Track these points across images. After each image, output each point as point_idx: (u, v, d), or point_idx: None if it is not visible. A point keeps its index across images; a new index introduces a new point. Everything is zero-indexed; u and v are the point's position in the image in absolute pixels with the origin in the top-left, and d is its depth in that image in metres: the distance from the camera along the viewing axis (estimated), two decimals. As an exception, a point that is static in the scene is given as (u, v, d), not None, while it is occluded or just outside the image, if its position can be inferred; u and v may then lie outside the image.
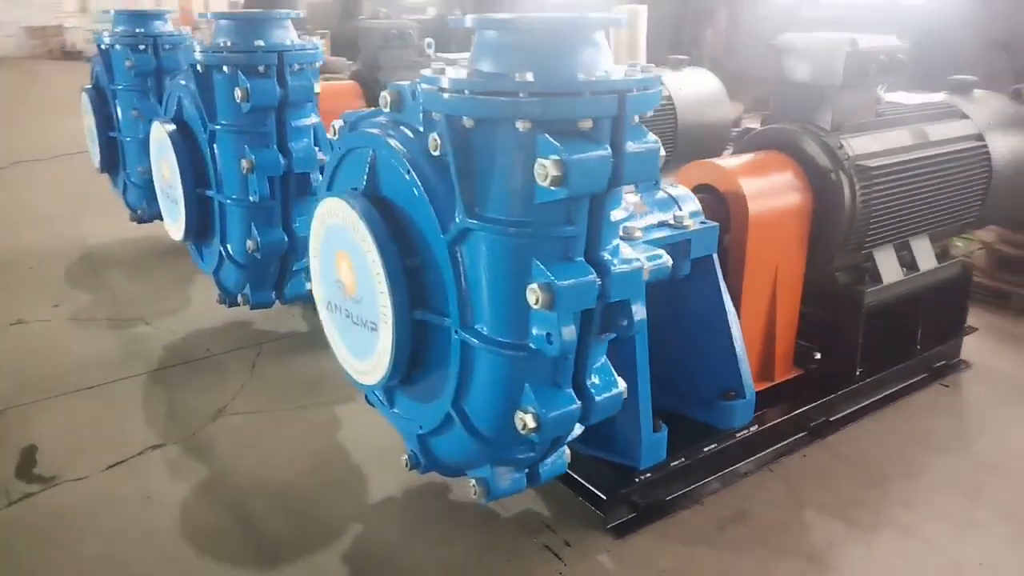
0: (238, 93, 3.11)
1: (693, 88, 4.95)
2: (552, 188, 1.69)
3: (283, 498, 2.87)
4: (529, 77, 1.66)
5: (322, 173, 3.39)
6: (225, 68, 3.13)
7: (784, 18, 11.84)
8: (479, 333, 1.98)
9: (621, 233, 2.16)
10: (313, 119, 3.43)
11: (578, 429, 2.18)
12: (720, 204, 2.98)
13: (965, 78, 3.85)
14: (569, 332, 1.82)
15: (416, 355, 2.20)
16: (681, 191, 2.77)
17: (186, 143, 3.49)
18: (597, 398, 2.04)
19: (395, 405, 2.44)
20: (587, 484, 2.77)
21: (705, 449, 2.86)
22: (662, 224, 2.59)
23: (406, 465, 2.47)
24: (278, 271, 3.62)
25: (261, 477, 2.99)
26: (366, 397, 2.63)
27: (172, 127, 3.50)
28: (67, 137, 8.75)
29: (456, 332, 2.02)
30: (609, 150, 1.73)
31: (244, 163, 3.20)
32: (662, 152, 1.85)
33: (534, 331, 1.88)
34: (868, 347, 3.35)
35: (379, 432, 3.13)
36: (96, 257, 5.43)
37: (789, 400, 3.20)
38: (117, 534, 2.68)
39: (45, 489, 2.90)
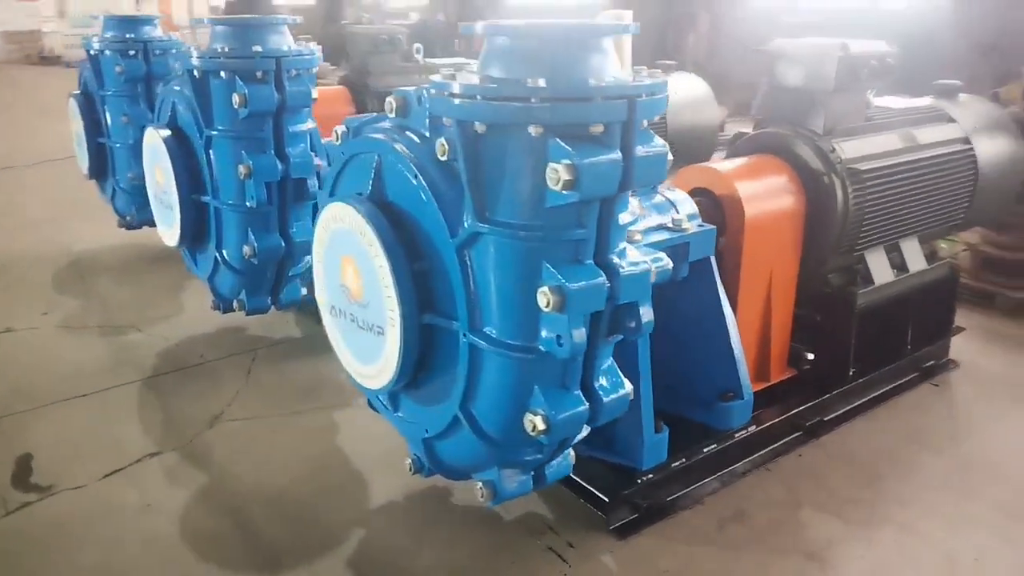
0: (236, 98, 3.10)
1: (683, 92, 5.00)
2: (564, 192, 1.71)
3: (283, 503, 2.86)
4: (541, 83, 1.68)
5: (319, 178, 3.43)
6: (223, 73, 3.13)
7: (765, 23, 11.99)
8: (488, 336, 1.99)
9: (624, 236, 2.19)
10: (310, 124, 3.43)
11: (584, 431, 2.20)
12: (716, 207, 3.01)
13: (951, 82, 3.92)
14: (579, 334, 1.85)
15: (422, 359, 2.21)
16: (678, 194, 2.80)
17: (181, 149, 3.48)
18: (605, 399, 2.06)
19: (399, 409, 2.45)
20: (589, 486, 2.79)
21: (705, 450, 2.89)
22: (660, 227, 2.62)
23: (410, 469, 2.48)
24: (274, 276, 3.61)
25: (260, 483, 2.98)
26: (369, 402, 2.64)
27: (167, 133, 3.49)
28: (48, 142, 8.67)
29: (464, 335, 2.03)
30: (619, 154, 1.76)
31: (241, 168, 3.19)
32: (670, 156, 1.87)
33: (544, 333, 1.90)
34: (860, 347, 3.40)
35: (377, 437, 3.14)
36: (84, 263, 5.39)
37: (784, 401, 3.25)
38: (117, 542, 2.67)
39: (43, 498, 2.87)
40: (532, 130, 1.72)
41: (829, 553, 2.62)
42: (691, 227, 2.66)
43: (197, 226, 3.56)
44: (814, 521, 2.78)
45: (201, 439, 3.26)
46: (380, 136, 2.20)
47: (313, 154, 3.40)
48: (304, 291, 3.81)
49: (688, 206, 2.77)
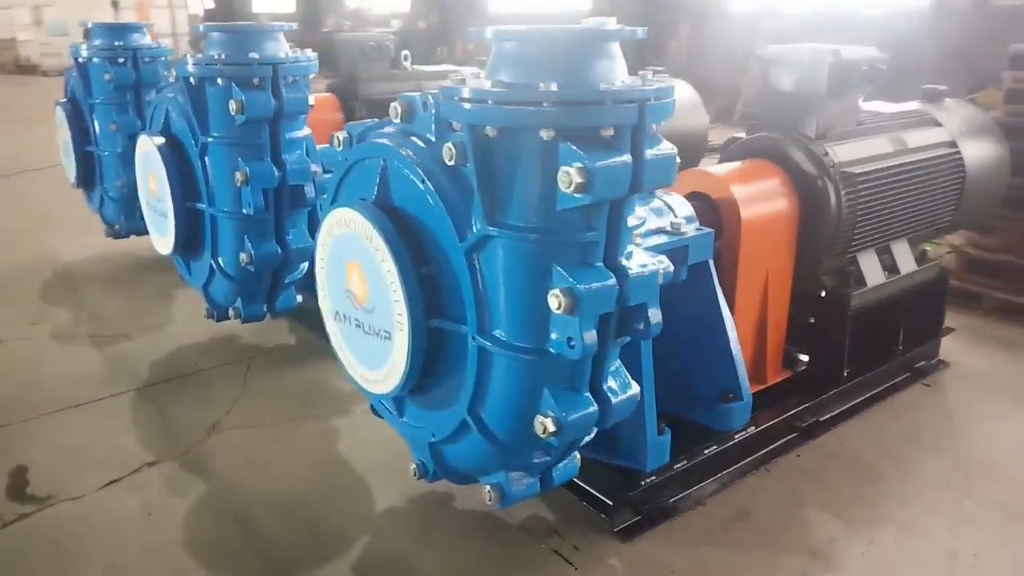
0: (233, 105, 3.09)
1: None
2: (576, 195, 1.73)
3: (288, 510, 2.85)
4: (554, 87, 1.70)
5: (314, 184, 3.43)
6: (219, 80, 3.12)
7: (746, 30, 12.14)
8: (497, 339, 2.00)
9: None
10: (306, 131, 3.43)
11: (591, 433, 2.22)
12: (712, 211, 3.05)
13: (936, 87, 3.99)
14: (591, 336, 1.86)
15: (429, 363, 2.21)
16: (676, 198, 2.83)
17: (175, 156, 3.46)
18: (614, 401, 2.07)
19: (405, 414, 2.45)
20: (592, 489, 2.80)
21: (706, 451, 2.91)
22: (659, 231, 2.64)
23: (414, 474, 2.48)
24: (270, 284, 3.59)
25: (263, 491, 2.96)
26: (372, 407, 2.63)
27: (161, 140, 3.47)
28: (27, 152, 8.58)
29: (473, 338, 2.04)
30: (630, 157, 1.78)
31: (238, 175, 3.18)
32: (678, 159, 1.90)
33: (554, 336, 1.91)
34: (854, 349, 3.44)
35: (378, 443, 3.15)
36: (71, 274, 5.33)
37: (782, 402, 3.28)
38: (120, 552, 2.64)
39: (41, 509, 2.83)
40: (544, 134, 1.74)
41: (832, 551, 2.65)
42: (689, 230, 2.69)
43: (192, 234, 3.54)
44: (816, 520, 2.81)
45: (200, 448, 3.23)
46: (385, 141, 2.21)
47: (309, 160, 3.40)
48: (299, 298, 3.80)
49: (685, 210, 2.80)
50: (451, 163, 1.97)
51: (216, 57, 3.13)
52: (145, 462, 3.12)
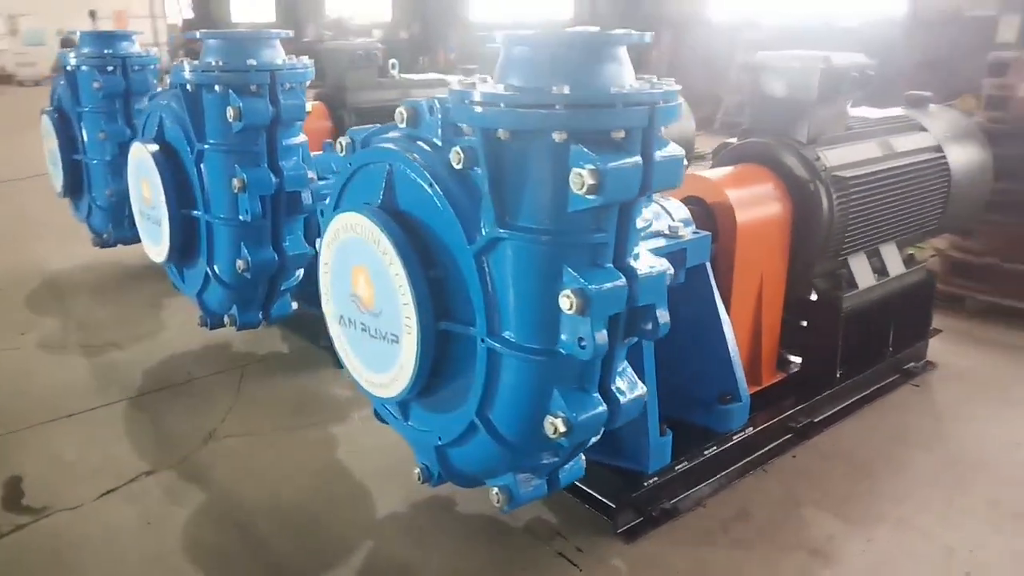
0: (230, 112, 3.09)
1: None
2: (588, 196, 1.75)
3: (288, 518, 2.83)
4: (566, 90, 1.72)
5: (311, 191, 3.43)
6: (217, 87, 3.11)
7: (725, 40, 12.30)
8: (507, 340, 2.01)
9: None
10: (302, 137, 3.43)
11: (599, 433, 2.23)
12: (707, 215, 3.09)
13: (921, 93, 4.07)
14: (602, 336, 1.88)
15: (436, 366, 2.22)
16: (672, 202, 2.86)
17: (169, 163, 3.44)
18: (622, 401, 2.10)
19: (410, 418, 2.46)
20: (594, 491, 2.81)
21: (705, 452, 2.94)
22: (658, 234, 2.67)
23: (418, 478, 2.48)
24: (266, 291, 3.58)
25: (262, 498, 2.95)
26: (375, 412, 2.64)
27: (155, 147, 3.45)
28: (11, 162, 8.48)
29: (483, 340, 2.05)
30: (640, 159, 1.81)
31: (235, 182, 3.17)
32: (685, 161, 1.93)
33: (565, 336, 1.93)
34: (847, 350, 3.49)
35: (377, 449, 3.15)
36: (59, 283, 5.28)
37: (777, 403, 3.32)
38: (119, 562, 2.61)
39: (37, 520, 2.80)
40: (556, 136, 1.76)
41: (831, 549, 2.68)
42: (687, 234, 2.72)
43: (187, 241, 3.52)
44: (814, 519, 2.84)
45: (197, 456, 3.21)
46: (391, 146, 2.22)
47: (305, 167, 3.40)
48: (295, 305, 3.79)
49: (682, 213, 2.84)
50: (459, 167, 1.99)
51: (213, 64, 3.13)
52: (142, 471, 3.09)
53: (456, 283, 2.11)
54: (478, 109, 1.83)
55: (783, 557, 2.65)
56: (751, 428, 3.09)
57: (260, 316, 3.68)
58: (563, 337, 1.94)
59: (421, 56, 16.73)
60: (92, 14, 20.27)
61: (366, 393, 2.49)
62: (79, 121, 4.70)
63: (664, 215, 2.78)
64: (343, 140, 2.44)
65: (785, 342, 3.45)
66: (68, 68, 4.58)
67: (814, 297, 3.48)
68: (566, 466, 2.34)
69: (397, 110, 2.19)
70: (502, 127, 1.81)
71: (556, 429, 1.99)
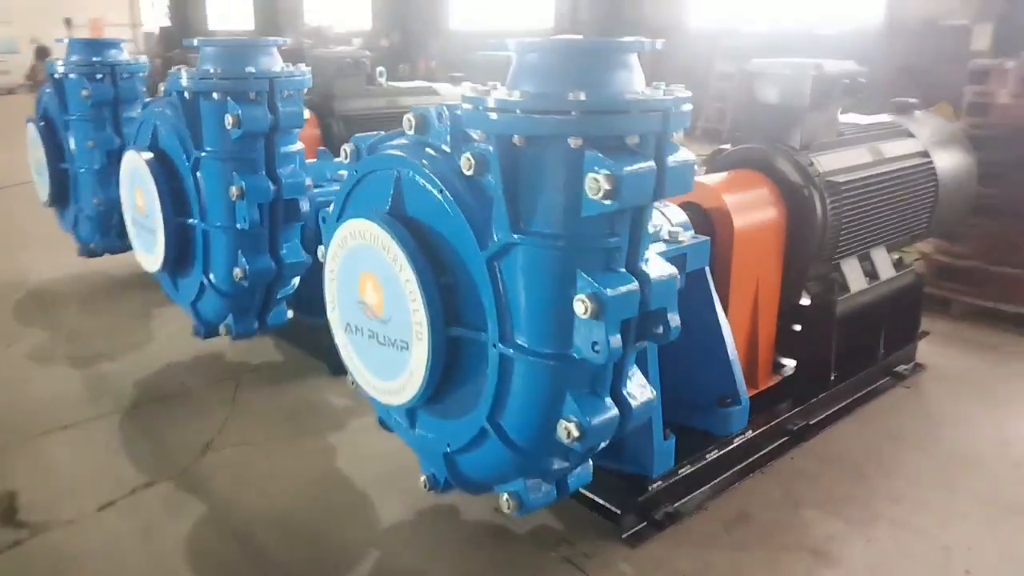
0: (229, 119, 3.07)
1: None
2: (604, 201, 1.77)
3: (290, 527, 2.82)
4: (582, 96, 1.74)
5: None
6: (215, 95, 3.10)
7: (705, 48, 12.44)
8: (519, 346, 2.02)
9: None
10: (299, 145, 3.42)
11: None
12: (704, 220, 3.12)
13: (907, 100, 4.15)
14: (616, 340, 1.90)
15: (446, 372, 2.22)
16: (671, 208, 2.89)
17: (164, 171, 3.42)
18: (633, 405, 2.11)
19: (417, 425, 2.45)
20: (599, 497, 2.82)
21: (707, 456, 2.97)
22: (657, 239, 2.70)
23: (424, 486, 2.48)
24: (263, 299, 3.56)
25: (263, 508, 2.93)
26: (380, 421, 2.63)
27: (149, 155, 3.43)
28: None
29: (495, 345, 2.06)
30: (654, 164, 1.83)
31: (233, 190, 3.15)
32: (696, 166, 1.95)
33: (578, 341, 1.95)
34: (840, 353, 3.54)
35: (377, 457, 3.15)
36: (44, 294, 5.20)
37: (774, 406, 3.35)
38: (122, 575, 2.58)
39: (35, 535, 2.76)
40: (572, 142, 1.78)
41: (832, 549, 2.71)
42: (686, 238, 2.75)
43: (181, 249, 3.49)
44: (814, 520, 2.87)
45: (196, 467, 3.18)
46: (400, 153, 2.23)
47: (303, 174, 3.39)
48: (290, 313, 3.77)
49: (680, 218, 2.87)
50: (469, 173, 2.00)
51: (212, 71, 3.11)
52: (140, 483, 3.06)
53: (466, 289, 2.12)
54: (493, 115, 1.85)
55: (786, 558, 2.68)
56: (750, 431, 3.12)
57: (256, 325, 3.65)
58: (576, 341, 1.95)
59: (401, 64, 16.73)
60: (67, 22, 20.06)
61: (371, 400, 2.48)
62: (66, 129, 4.65)
63: (663, 220, 2.81)
64: (348, 147, 2.45)
65: (782, 346, 3.49)
66: (55, 76, 4.52)
67: (808, 301, 3.53)
68: (574, 471, 2.35)
69: (405, 117, 2.20)
70: (518, 133, 1.82)
71: (570, 433, 2.00)
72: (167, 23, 24.38)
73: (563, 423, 2.01)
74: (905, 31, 10.46)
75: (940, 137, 4.05)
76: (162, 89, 3.40)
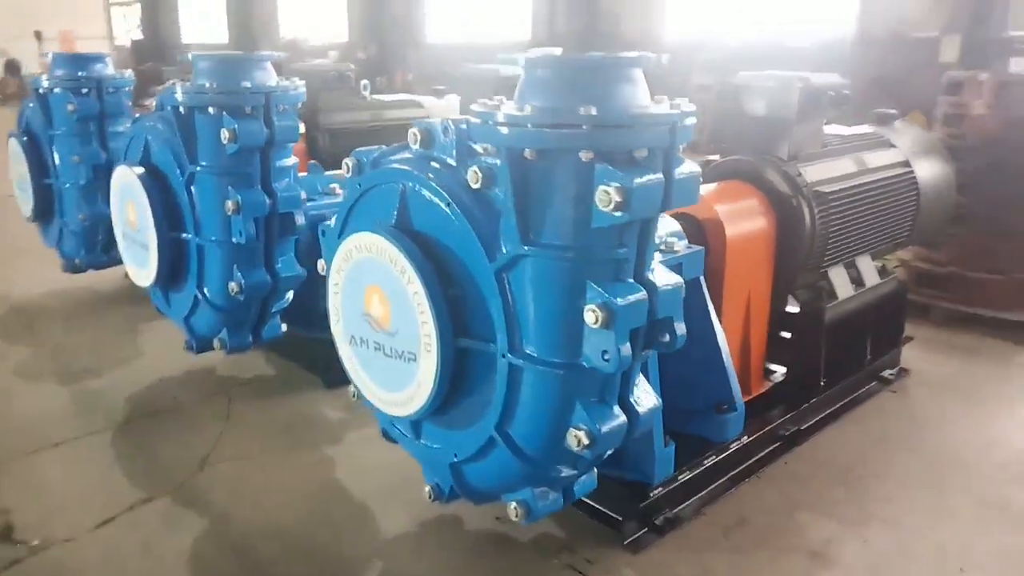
0: (225, 134, 3.08)
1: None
2: (614, 213, 1.81)
3: (291, 541, 2.81)
4: (593, 111, 1.78)
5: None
6: (211, 109, 3.10)
7: (682, 61, 12.59)
8: (529, 356, 2.05)
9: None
10: (293, 159, 3.43)
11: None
12: (697, 230, 3.17)
13: (888, 111, 4.25)
14: (626, 349, 1.93)
15: (454, 383, 2.25)
16: (664, 218, 2.93)
17: (157, 185, 3.41)
18: (641, 411, 2.15)
19: (422, 436, 2.47)
20: (600, 505, 2.85)
21: (705, 462, 3.01)
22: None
23: (429, 497, 2.50)
24: (257, 313, 3.55)
25: (264, 522, 2.92)
26: (384, 432, 2.64)
27: (141, 170, 3.42)
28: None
29: (504, 356, 2.08)
30: (662, 176, 1.87)
31: (229, 204, 3.15)
32: (701, 178, 2.00)
33: (588, 350, 1.98)
34: (829, 359, 3.61)
35: (375, 469, 3.15)
36: (27, 310, 5.14)
37: (767, 412, 3.41)
38: (124, 592, 2.56)
39: (33, 555, 2.72)
40: (582, 155, 1.82)
41: (830, 550, 2.76)
42: (681, 248, 2.80)
43: (175, 264, 3.48)
44: (810, 522, 2.93)
45: (193, 482, 3.16)
46: (404, 166, 2.25)
47: (298, 188, 3.40)
48: (284, 327, 3.76)
49: (673, 227, 2.92)
50: (476, 186, 2.04)
51: (207, 86, 3.12)
52: (138, 499, 3.03)
53: (474, 301, 2.15)
54: (504, 129, 1.88)
55: (784, 560, 2.73)
56: (745, 437, 3.17)
57: (250, 339, 3.64)
58: (586, 351, 1.98)
59: (378, 76, 16.74)
60: (38, 35, 19.83)
61: (376, 412, 2.50)
62: (51, 144, 4.60)
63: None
64: (349, 161, 2.46)
65: (772, 353, 3.55)
66: (40, 91, 4.49)
67: (796, 308, 3.60)
68: (580, 479, 2.38)
69: (410, 131, 2.22)
70: (529, 146, 1.86)
71: (580, 442, 2.03)
72: (139, 36, 24.19)
73: (573, 431, 2.04)
74: (876, 43, 10.69)
75: (920, 147, 4.16)
76: (153, 104, 3.39)
